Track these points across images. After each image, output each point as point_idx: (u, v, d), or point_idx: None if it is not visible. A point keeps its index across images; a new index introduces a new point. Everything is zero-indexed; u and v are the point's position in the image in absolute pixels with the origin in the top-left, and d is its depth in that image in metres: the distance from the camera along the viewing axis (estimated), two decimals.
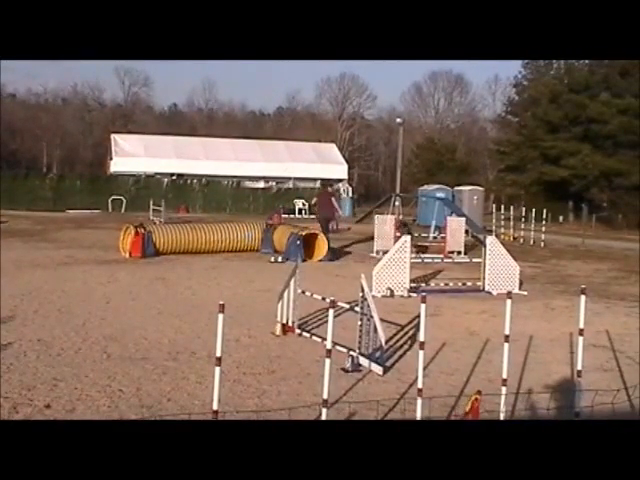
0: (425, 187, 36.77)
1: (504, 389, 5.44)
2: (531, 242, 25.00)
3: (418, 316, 6.86)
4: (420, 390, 5.27)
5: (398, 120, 45.45)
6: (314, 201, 22.01)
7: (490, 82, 74.79)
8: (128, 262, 16.29)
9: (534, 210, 26.40)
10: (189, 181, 41.64)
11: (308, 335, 9.10)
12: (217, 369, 4.69)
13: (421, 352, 5.36)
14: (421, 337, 5.46)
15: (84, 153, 65.51)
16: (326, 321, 6.95)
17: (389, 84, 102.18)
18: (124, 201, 37.95)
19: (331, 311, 5.20)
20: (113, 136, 45.31)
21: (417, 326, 8.60)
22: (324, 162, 45.70)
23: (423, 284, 13.87)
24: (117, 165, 42.66)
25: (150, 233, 17.17)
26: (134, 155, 42.86)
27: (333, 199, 19.91)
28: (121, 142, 44.64)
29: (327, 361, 4.92)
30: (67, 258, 16.52)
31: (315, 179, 43.98)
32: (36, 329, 9.04)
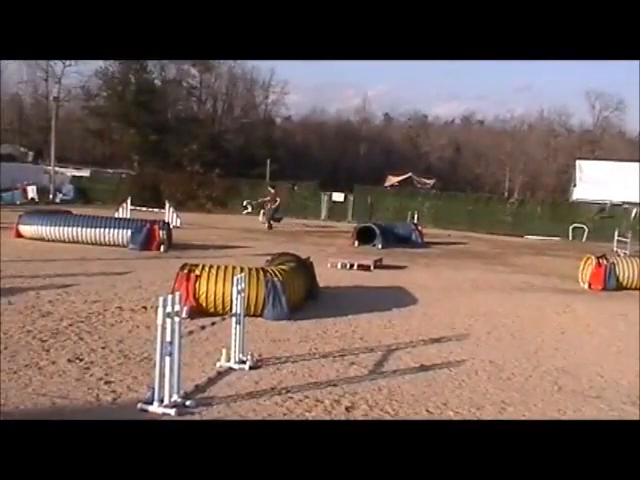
0: None
1: None
2: None
3: None
4: None
5: None
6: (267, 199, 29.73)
7: None
8: (586, 293, 15.60)
9: None
10: None
11: None
12: None
13: None
14: None
15: (547, 179, 65.53)
16: None
17: None
18: (585, 230, 36.72)
19: None
20: (578, 162, 44.48)
21: None
22: None
23: None
24: (580, 192, 41.68)
25: (613, 265, 16.19)
26: (599, 182, 41.27)
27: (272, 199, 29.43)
28: (586, 168, 43.52)
29: None
30: (523, 283, 16.53)
31: None
32: (488, 350, 9.11)
